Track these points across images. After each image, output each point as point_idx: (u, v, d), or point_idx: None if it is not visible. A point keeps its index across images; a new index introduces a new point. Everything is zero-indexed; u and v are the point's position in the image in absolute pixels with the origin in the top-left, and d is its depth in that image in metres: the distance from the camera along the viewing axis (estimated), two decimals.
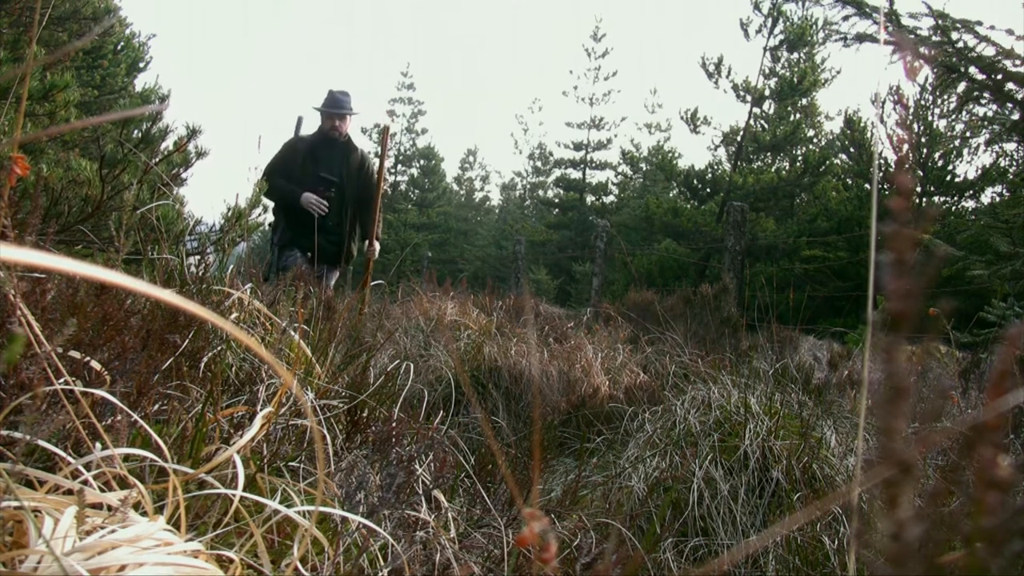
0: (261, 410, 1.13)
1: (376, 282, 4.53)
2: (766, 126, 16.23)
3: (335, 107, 4.53)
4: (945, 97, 10.72)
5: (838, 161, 14.72)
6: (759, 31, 14.82)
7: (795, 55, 15.41)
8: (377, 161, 4.73)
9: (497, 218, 32.82)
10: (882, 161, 12.62)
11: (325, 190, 4.44)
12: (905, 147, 0.35)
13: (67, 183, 2.28)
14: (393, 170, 27.53)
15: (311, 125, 4.77)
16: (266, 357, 0.40)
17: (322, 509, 0.88)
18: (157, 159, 2.65)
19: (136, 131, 2.71)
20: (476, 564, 1.08)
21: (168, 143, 2.82)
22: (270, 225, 4.55)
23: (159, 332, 1.24)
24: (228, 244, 2.55)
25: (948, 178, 11.79)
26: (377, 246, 4.64)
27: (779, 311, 5.34)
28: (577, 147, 24.04)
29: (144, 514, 0.79)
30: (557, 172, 25.60)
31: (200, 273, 1.79)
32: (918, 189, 11.73)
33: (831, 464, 1.91)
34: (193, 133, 2.83)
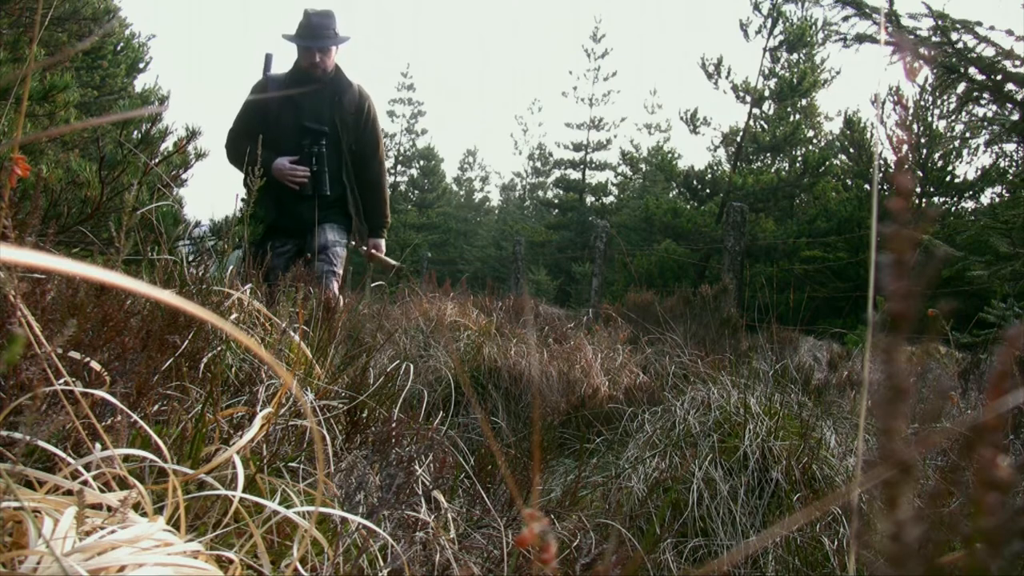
0: (261, 411, 1.13)
1: (376, 283, 4.24)
2: (766, 127, 16.24)
3: (311, 37, 3.26)
4: (945, 98, 10.72)
5: (838, 162, 14.73)
6: (759, 32, 14.83)
7: (795, 56, 15.42)
8: (376, 107, 3.56)
9: (497, 219, 32.83)
10: (882, 162, 12.63)
11: (311, 145, 3.28)
12: (905, 148, 0.35)
13: (66, 184, 2.28)
14: (393, 171, 27.54)
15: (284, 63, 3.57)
16: (266, 358, 0.40)
17: (322, 510, 0.88)
18: (157, 160, 2.66)
19: (136, 132, 2.72)
20: (476, 565, 1.08)
21: (168, 144, 2.83)
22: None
23: (159, 333, 1.24)
24: (228, 245, 2.55)
25: (948, 179, 11.79)
26: (383, 243, 3.59)
27: (779, 312, 5.34)
28: (577, 148, 24.05)
29: (144, 515, 0.79)
30: (557, 173, 25.63)
31: (200, 274, 1.79)
32: (918, 190, 11.73)
33: (831, 465, 1.91)
34: (192, 135, 2.83)
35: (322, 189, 3.30)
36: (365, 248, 3.60)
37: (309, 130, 3.31)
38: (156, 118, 2.67)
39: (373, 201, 3.55)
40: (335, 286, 3.40)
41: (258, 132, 3.15)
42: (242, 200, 2.85)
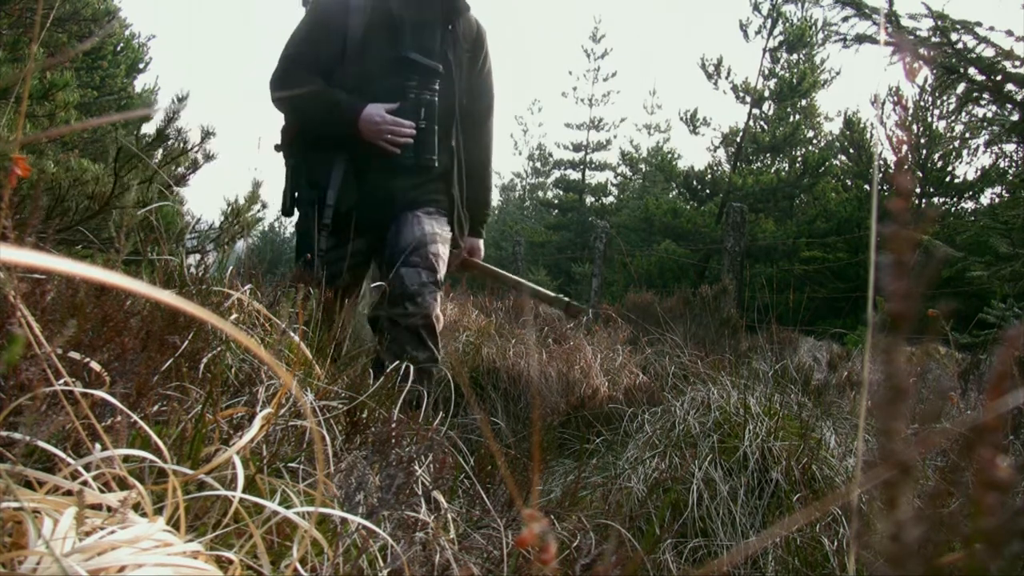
0: (261, 411, 1.13)
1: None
2: (765, 127, 16.25)
3: None
4: (944, 98, 10.74)
5: (837, 162, 14.75)
6: (759, 32, 14.85)
7: (794, 56, 15.43)
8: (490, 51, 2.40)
9: (496, 219, 32.82)
10: (882, 162, 12.63)
11: (418, 90, 2.12)
12: (904, 148, 0.36)
13: (72, 181, 2.29)
14: None
15: None
16: (266, 358, 0.40)
17: (321, 510, 0.88)
18: (169, 160, 2.66)
19: (147, 130, 2.73)
20: (476, 565, 1.08)
21: (174, 144, 2.83)
22: (288, 163, 2.23)
23: (159, 333, 1.24)
24: (227, 245, 2.55)
25: (947, 179, 11.80)
26: (482, 245, 2.61)
27: (778, 312, 5.34)
28: (576, 148, 24.05)
29: (144, 515, 0.79)
30: (556, 173, 25.62)
31: (200, 274, 1.79)
32: (917, 190, 11.74)
33: (831, 465, 1.91)
34: (207, 136, 2.83)
35: (428, 155, 2.16)
36: (459, 251, 2.48)
37: (415, 65, 2.12)
38: (173, 117, 2.67)
39: (478, 182, 2.42)
40: (436, 306, 2.25)
41: (330, 62, 2.14)
42: (290, 169, 2.08)
